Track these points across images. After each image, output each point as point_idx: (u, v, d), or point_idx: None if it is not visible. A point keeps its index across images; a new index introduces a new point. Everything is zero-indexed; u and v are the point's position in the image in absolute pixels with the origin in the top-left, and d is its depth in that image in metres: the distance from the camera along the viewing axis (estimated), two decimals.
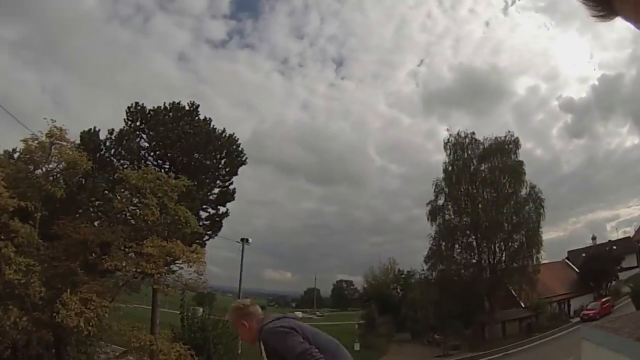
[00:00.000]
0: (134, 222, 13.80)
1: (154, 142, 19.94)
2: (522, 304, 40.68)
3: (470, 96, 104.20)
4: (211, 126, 20.88)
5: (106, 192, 16.12)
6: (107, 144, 19.65)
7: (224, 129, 21.46)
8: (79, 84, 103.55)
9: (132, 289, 14.03)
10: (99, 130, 19.80)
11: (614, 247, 53.83)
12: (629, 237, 64.04)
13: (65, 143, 13.74)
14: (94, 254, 12.83)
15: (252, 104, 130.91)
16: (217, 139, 20.83)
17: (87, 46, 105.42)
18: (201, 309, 21.06)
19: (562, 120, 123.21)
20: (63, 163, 14.05)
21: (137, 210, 13.41)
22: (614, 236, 69.18)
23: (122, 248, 12.58)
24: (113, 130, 19.81)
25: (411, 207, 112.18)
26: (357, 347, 34.45)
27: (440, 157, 42.62)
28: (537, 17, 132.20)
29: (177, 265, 14.25)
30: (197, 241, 16.08)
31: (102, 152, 19.38)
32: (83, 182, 15.91)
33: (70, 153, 13.85)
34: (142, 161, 17.79)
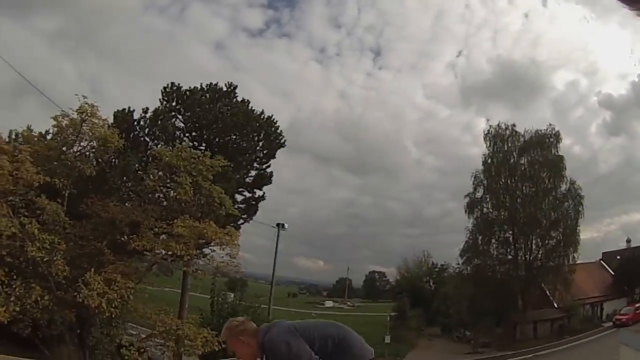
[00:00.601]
0: (165, 202, 13.41)
1: (190, 123, 19.57)
2: (555, 305, 39.44)
3: (509, 89, 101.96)
4: (249, 107, 20.44)
5: (138, 171, 15.68)
6: (141, 123, 19.24)
7: (262, 110, 20.98)
8: (116, 72, 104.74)
9: (163, 271, 13.52)
10: (134, 110, 19.41)
11: None
12: None
13: (96, 120, 13.40)
14: (122, 234, 12.52)
15: (290, 93, 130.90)
16: (255, 120, 20.30)
17: (125, 35, 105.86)
18: (232, 295, 20.83)
19: (600, 117, 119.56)
20: (94, 141, 13.76)
21: (170, 190, 13.02)
22: None
23: (152, 228, 12.04)
24: (147, 109, 19.49)
25: (446, 200, 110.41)
26: (387, 339, 34.08)
27: (477, 151, 42.03)
28: (577, 10, 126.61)
29: (210, 248, 13.79)
30: (232, 224, 15.63)
31: (135, 132, 18.98)
32: (115, 161, 15.60)
33: (102, 130, 13.52)
34: (177, 141, 17.29)
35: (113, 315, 10.70)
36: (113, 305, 10.37)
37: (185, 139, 18.84)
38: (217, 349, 11.67)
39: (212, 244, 13.01)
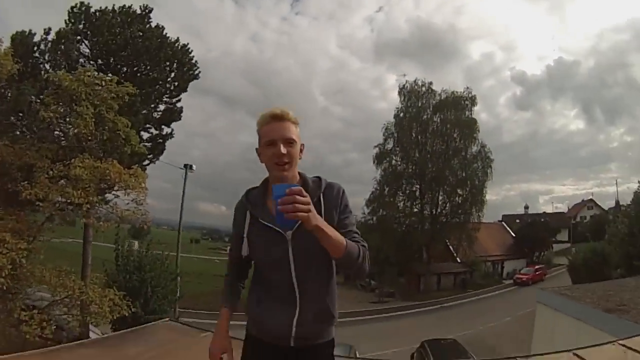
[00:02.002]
0: (63, 139, 11.04)
1: (97, 49, 16.69)
2: (458, 259, 41.67)
3: (424, 51, 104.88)
4: (164, 33, 17.83)
5: (35, 102, 12.86)
6: (42, 47, 16.01)
7: (178, 37, 18.60)
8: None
9: (67, 221, 11.02)
10: (34, 33, 16.14)
11: (547, 219, 57.22)
12: (563, 212, 68.68)
13: None
14: (14, 181, 10.12)
15: (201, 31, 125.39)
16: (169, 47, 17.95)
17: None
18: (136, 243, 19.00)
19: (511, 90, 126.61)
20: None
21: (69, 125, 10.64)
22: (547, 209, 73.81)
23: (47, 172, 9.66)
24: (49, 30, 16.22)
25: (350, 150, 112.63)
26: None
27: (385, 105, 42.92)
28: None
29: (113, 193, 11.67)
30: (137, 164, 13.52)
31: (35, 58, 15.86)
32: (8, 92, 12.74)
33: None
34: (80, 67, 14.65)
35: (5, 287, 8.38)
36: (2, 275, 8.10)
37: (89, 65, 16.01)
38: (126, 314, 10.05)
39: (115, 187, 10.88)
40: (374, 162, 41.03)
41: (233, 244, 2.13)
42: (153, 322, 6.78)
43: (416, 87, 41.18)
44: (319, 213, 1.79)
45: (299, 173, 2.00)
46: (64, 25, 16.64)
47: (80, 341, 5.25)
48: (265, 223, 1.92)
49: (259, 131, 1.94)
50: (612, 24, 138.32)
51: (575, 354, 4.60)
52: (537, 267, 42.30)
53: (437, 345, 17.39)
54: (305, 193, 1.59)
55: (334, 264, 2.00)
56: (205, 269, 41.66)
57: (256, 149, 1.99)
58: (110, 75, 12.99)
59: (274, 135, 1.87)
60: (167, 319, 7.24)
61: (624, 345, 4.78)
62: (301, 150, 1.98)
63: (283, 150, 1.86)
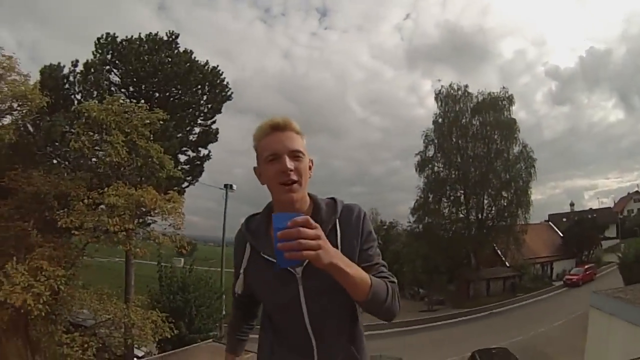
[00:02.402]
0: (97, 167, 11.32)
1: (126, 77, 17.18)
2: (507, 263, 40.40)
3: (455, 54, 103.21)
4: (192, 57, 18.13)
5: (67, 133, 13.22)
6: (71, 79, 16.49)
7: (207, 60, 18.83)
8: (55, 38, 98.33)
9: (110, 242, 11.19)
10: (64, 65, 16.62)
11: (594, 216, 55.06)
12: (610, 207, 66.33)
13: (16, 76, 11.05)
14: (51, 210, 10.36)
15: (233, 53, 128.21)
16: (199, 71, 18.11)
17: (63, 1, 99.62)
18: (182, 260, 19.30)
19: (546, 86, 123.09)
20: (14, 101, 11.32)
21: (102, 153, 10.94)
22: (593, 205, 71.55)
23: (82, 200, 9.83)
24: (77, 62, 16.74)
25: (391, 159, 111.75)
26: None
27: (422, 112, 43.01)
28: None
29: (150, 218, 11.88)
30: (175, 188, 13.69)
31: (64, 89, 16.35)
32: (40, 123, 13.20)
33: (23, 87, 11.15)
34: (107, 97, 15.07)
35: (43, 314, 8.58)
36: (41, 301, 8.30)
37: (121, 94, 16.45)
38: (169, 336, 10.17)
39: (152, 213, 11.05)
40: (416, 169, 40.49)
41: (233, 281, 1.77)
42: (196, 344, 6.86)
43: (452, 91, 40.41)
44: (335, 244, 1.47)
45: (309, 195, 1.63)
46: (91, 57, 17.15)
47: None
48: (268, 257, 1.55)
49: (257, 146, 1.58)
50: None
51: None
52: (587, 266, 40.38)
53: (488, 354, 17.00)
54: (313, 224, 1.25)
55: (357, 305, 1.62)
56: None
57: (254, 168, 1.64)
58: (142, 102, 13.39)
59: (277, 148, 1.51)
60: (210, 340, 7.32)
61: None
62: (310, 167, 1.60)
63: (289, 165, 1.48)
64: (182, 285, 14.48)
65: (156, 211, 10.57)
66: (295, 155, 1.51)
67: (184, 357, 5.42)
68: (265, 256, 1.56)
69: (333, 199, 1.67)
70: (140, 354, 12.22)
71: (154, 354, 10.23)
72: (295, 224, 1.21)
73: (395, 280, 1.55)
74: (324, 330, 1.59)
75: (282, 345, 1.66)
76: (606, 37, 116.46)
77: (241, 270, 1.66)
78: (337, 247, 1.46)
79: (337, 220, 1.58)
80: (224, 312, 16.84)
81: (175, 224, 10.98)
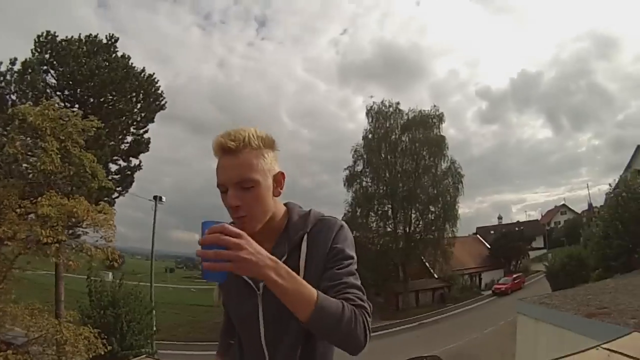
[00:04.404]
0: (30, 174, 10.66)
1: (62, 79, 16.45)
2: (435, 275, 41.80)
3: (389, 71, 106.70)
4: (129, 63, 17.74)
5: (1, 136, 12.33)
6: (7, 77, 15.76)
7: (144, 67, 18.52)
8: None
9: (32, 254, 10.45)
10: (1, 62, 15.91)
11: (522, 228, 58.34)
12: (537, 220, 70.44)
13: None
14: None
15: (168, 58, 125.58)
16: (135, 78, 17.76)
17: None
18: (110, 274, 18.61)
19: (477, 105, 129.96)
20: None
21: (33, 158, 10.33)
22: (521, 218, 75.59)
23: (14, 209, 9.21)
24: (15, 60, 16.02)
25: (320, 172, 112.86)
26: None
27: (353, 126, 43.45)
28: (470, 5, 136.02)
29: (81, 229, 11.33)
30: (105, 199, 13.17)
31: (1, 88, 15.75)
32: None
33: None
34: (47, 100, 14.38)
35: None
36: None
37: (56, 97, 15.75)
38: (102, 352, 9.70)
39: (83, 224, 10.55)
40: (344, 184, 41.18)
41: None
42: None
43: (383, 107, 41.48)
44: (296, 262, 1.39)
45: (286, 205, 1.53)
46: (29, 55, 16.42)
47: None
48: None
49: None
50: (572, 34, 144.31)
51: None
52: (514, 276, 42.61)
53: None
54: (233, 231, 1.10)
55: None
56: (181, 298, 40.87)
57: None
58: (76, 107, 12.84)
59: (222, 180, 1.34)
60: (144, 355, 7.01)
61: (607, 349, 4.81)
62: (278, 182, 1.43)
63: (234, 201, 1.31)
64: (112, 300, 13.93)
65: (87, 222, 10.09)
66: (243, 186, 1.32)
67: None
68: None
69: (309, 211, 1.54)
70: None
71: None
72: (213, 231, 1.10)
73: (366, 305, 1.30)
74: (277, 349, 1.46)
75: (241, 356, 1.58)
76: (538, 60, 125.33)
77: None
78: (298, 265, 1.38)
79: (306, 234, 1.45)
80: (154, 328, 16.32)
81: (107, 236, 10.52)
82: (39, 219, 9.04)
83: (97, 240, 10.63)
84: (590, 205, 54.55)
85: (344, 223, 1.52)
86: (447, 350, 21.09)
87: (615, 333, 6.42)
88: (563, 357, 4.76)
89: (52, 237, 8.89)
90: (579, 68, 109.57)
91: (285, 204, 1.52)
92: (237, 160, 1.31)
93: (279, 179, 1.42)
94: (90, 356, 9.47)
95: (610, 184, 20.68)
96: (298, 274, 1.27)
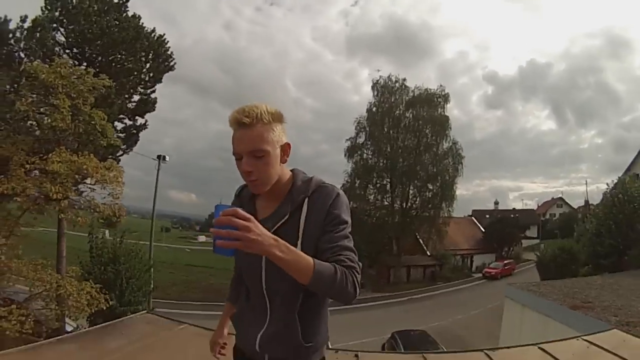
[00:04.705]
0: (39, 131, 10.75)
1: (72, 37, 16.42)
2: (428, 252, 42.50)
3: (397, 47, 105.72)
4: (140, 23, 17.72)
5: (10, 93, 12.38)
6: (17, 35, 15.60)
7: (154, 28, 18.35)
8: None
9: (38, 211, 10.60)
10: (10, 19, 15.70)
11: (517, 215, 58.82)
12: (533, 209, 70.88)
13: None
14: None
15: (174, 18, 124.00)
16: (145, 38, 17.77)
17: None
18: (107, 232, 18.83)
19: (483, 89, 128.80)
20: None
21: (44, 116, 10.40)
22: (517, 205, 76.20)
23: (23, 165, 9.35)
24: (26, 17, 15.84)
25: (321, 141, 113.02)
26: None
27: (357, 99, 43.20)
28: None
29: (88, 185, 11.47)
30: (110, 156, 13.35)
31: (10, 46, 15.49)
32: None
33: None
34: (56, 58, 14.26)
35: None
36: None
37: (65, 55, 15.68)
38: (104, 307, 10.00)
39: (91, 181, 10.69)
40: (345, 155, 41.51)
41: None
42: (131, 315, 6.82)
43: (390, 82, 41.44)
44: (297, 221, 1.65)
45: (292, 171, 1.78)
46: (40, 13, 16.26)
47: (61, 337, 5.20)
48: None
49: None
50: (586, 30, 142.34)
51: (540, 348, 4.87)
52: (506, 261, 43.46)
53: (407, 336, 17.90)
54: (243, 215, 1.32)
55: None
56: (176, 258, 41.45)
57: None
58: (85, 65, 12.82)
59: (238, 149, 1.60)
60: (144, 311, 7.25)
61: (587, 341, 5.10)
62: (286, 152, 1.69)
63: (248, 167, 1.58)
64: (113, 256, 14.19)
65: (96, 179, 10.24)
66: (256, 155, 1.58)
67: (121, 328, 5.43)
68: None
69: (311, 177, 1.77)
70: (69, 328, 11.89)
71: (85, 328, 9.96)
72: (226, 214, 1.30)
73: (356, 265, 1.56)
74: (277, 298, 1.74)
75: (247, 303, 1.87)
76: (549, 51, 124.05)
77: None
78: (299, 225, 1.64)
79: (307, 199, 1.68)
80: (152, 285, 16.66)
81: (115, 193, 10.70)
82: (48, 176, 9.17)
83: (104, 197, 10.78)
84: (587, 202, 55.13)
85: (340, 190, 1.74)
86: (434, 327, 21.63)
87: (597, 327, 6.76)
88: (545, 342, 5.06)
89: (61, 194, 9.05)
90: (590, 64, 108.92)
91: (291, 170, 1.78)
92: (251, 133, 1.56)
93: (285, 148, 1.68)
94: (93, 310, 9.73)
95: (608, 184, 20.81)
96: (298, 230, 1.64)
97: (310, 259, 1.44)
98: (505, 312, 14.44)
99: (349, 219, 1.70)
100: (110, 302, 10.63)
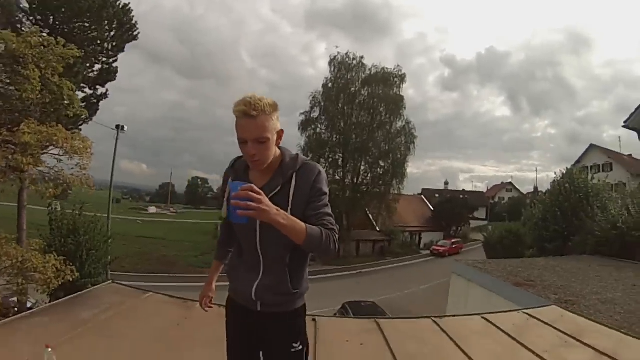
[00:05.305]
0: (2, 102, 10.52)
1: (36, 4, 15.74)
2: (377, 228, 43.50)
3: (356, 23, 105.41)
4: None
5: None
6: None
7: None
8: None
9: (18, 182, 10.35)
10: None
11: (466, 197, 60.71)
12: (482, 192, 73.23)
13: None
14: None
15: None
16: (111, 6, 17.44)
17: None
18: (58, 204, 18.48)
19: (440, 71, 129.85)
20: None
21: (10, 87, 10.21)
22: (467, 187, 78.32)
23: None
24: None
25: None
26: None
27: (313, 72, 43.07)
28: None
29: (55, 156, 11.36)
30: (72, 126, 13.24)
31: None
32: None
33: None
34: (18, 26, 13.73)
35: None
36: None
37: (27, 22, 15.32)
38: (71, 279, 10.02)
39: (60, 152, 10.60)
40: (299, 128, 41.79)
41: (223, 207, 2.14)
42: (98, 286, 6.94)
43: (347, 59, 41.61)
44: (288, 192, 2.03)
45: (281, 150, 2.13)
46: None
47: (32, 310, 5.35)
48: None
49: (235, 122, 1.97)
50: (549, 25, 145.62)
51: (484, 318, 5.52)
52: (453, 240, 45.21)
53: (357, 306, 18.80)
54: (257, 190, 1.71)
55: None
56: (128, 230, 40.70)
57: None
58: (47, 32, 12.49)
59: (244, 136, 1.93)
60: (110, 281, 7.40)
61: (527, 314, 5.81)
62: (280, 136, 2.06)
63: (253, 151, 1.94)
64: (72, 228, 14.08)
65: (65, 149, 10.18)
66: (260, 141, 1.93)
67: (89, 299, 5.62)
68: None
69: (297, 155, 2.14)
70: (28, 304, 11.79)
71: (46, 303, 9.92)
72: (244, 190, 1.69)
73: (335, 228, 1.98)
74: (269, 254, 2.13)
75: (240, 260, 2.26)
76: (508, 41, 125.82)
77: (225, 199, 2.10)
78: (289, 195, 2.02)
79: (295, 173, 2.06)
80: (109, 257, 16.62)
81: (83, 164, 10.67)
82: (18, 147, 9.09)
83: (72, 168, 10.72)
84: (536, 188, 57.59)
85: (321, 167, 2.13)
86: (383, 300, 22.53)
87: (537, 303, 7.57)
88: (488, 313, 5.72)
89: (32, 165, 9.03)
90: (549, 58, 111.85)
91: (279, 148, 2.13)
92: (256, 123, 1.91)
93: (280, 134, 2.06)
94: (59, 283, 9.72)
95: (556, 173, 21.79)
96: (289, 199, 2.01)
97: (303, 224, 1.85)
98: (451, 286, 15.09)
99: (327, 191, 2.11)
100: (76, 274, 10.67)
